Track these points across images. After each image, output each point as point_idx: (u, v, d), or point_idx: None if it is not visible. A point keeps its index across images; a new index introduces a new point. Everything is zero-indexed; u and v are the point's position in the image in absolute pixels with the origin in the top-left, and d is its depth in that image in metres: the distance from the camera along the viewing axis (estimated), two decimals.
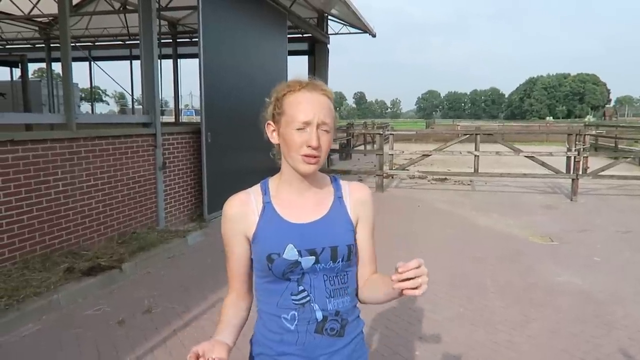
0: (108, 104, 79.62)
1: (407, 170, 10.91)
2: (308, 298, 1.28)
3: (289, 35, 10.81)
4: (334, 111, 1.30)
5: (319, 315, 1.28)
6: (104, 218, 5.54)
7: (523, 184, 10.89)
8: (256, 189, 1.36)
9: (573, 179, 9.19)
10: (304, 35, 13.99)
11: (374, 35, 14.97)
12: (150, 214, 6.38)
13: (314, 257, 1.27)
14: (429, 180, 11.55)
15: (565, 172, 10.24)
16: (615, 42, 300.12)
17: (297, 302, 1.28)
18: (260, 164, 7.52)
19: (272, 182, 1.37)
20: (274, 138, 1.32)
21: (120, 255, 4.99)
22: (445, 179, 11.63)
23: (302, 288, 1.28)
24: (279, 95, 1.29)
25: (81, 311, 3.96)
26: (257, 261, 1.30)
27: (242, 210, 1.32)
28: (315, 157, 1.24)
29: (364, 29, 14.48)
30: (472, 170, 10.09)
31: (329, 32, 14.68)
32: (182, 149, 7.09)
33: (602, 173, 9.50)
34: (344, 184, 1.40)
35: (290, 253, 1.25)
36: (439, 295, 4.34)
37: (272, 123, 1.31)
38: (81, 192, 5.20)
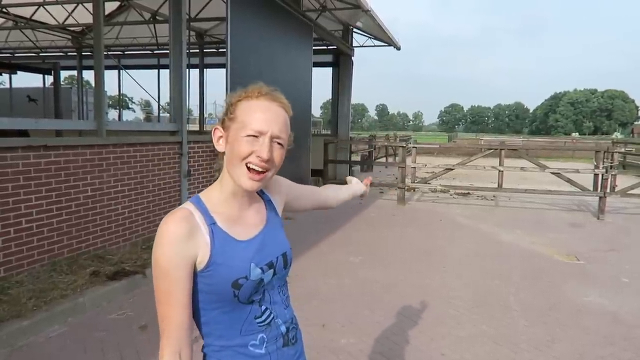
0: (134, 111, 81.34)
1: (429, 183, 10.83)
2: (272, 315, 1.23)
3: (314, 47, 10.91)
4: (289, 128, 1.21)
5: (283, 329, 1.25)
6: (129, 223, 5.64)
7: (548, 200, 10.68)
8: (192, 208, 1.16)
9: (600, 197, 8.99)
10: (329, 47, 14.10)
11: (398, 48, 14.98)
12: None
13: (272, 270, 1.22)
14: (451, 195, 11.43)
15: (592, 189, 10.02)
16: None
17: (262, 324, 1.21)
18: (284, 172, 7.55)
19: (207, 199, 1.20)
20: (219, 145, 1.19)
21: (144, 261, 5.07)
22: (468, 193, 11.50)
23: (265, 307, 1.22)
24: (233, 100, 1.20)
25: (105, 315, 4.03)
26: (213, 292, 1.14)
27: (191, 231, 1.11)
28: (260, 173, 1.14)
29: (389, 41, 14.50)
30: (496, 186, 9.96)
31: (353, 45, 14.77)
32: (207, 157, 7.18)
33: (631, 192, 9.26)
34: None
35: (254, 273, 1.17)
36: (462, 312, 4.27)
37: (220, 128, 1.20)
38: (108, 197, 5.31)
